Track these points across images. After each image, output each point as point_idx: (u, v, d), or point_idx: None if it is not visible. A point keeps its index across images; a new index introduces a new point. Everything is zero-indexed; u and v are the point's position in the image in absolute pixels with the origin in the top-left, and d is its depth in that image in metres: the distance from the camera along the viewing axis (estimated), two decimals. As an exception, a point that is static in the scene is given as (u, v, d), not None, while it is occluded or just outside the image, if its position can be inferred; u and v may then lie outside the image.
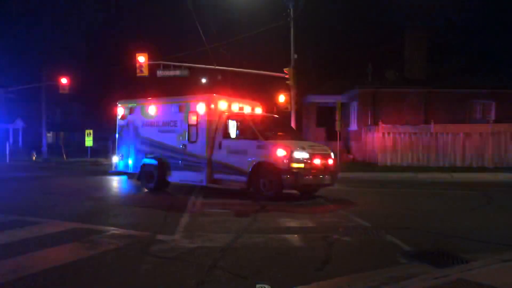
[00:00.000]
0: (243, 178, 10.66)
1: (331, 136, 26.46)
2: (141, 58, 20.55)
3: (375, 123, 23.74)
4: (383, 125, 22.14)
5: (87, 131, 27.69)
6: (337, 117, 21.01)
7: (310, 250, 5.83)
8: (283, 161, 10.10)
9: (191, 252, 5.51)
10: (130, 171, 13.43)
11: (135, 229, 6.84)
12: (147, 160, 12.56)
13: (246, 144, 10.80)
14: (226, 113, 11.61)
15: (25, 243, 5.94)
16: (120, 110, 13.73)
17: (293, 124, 20.33)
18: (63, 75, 27.01)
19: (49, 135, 41.43)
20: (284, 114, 22.14)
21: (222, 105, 11.86)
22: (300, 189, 11.07)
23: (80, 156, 30.27)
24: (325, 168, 10.61)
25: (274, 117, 13.05)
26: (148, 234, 6.51)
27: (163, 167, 12.20)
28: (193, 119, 11.65)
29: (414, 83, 26.22)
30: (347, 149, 27.97)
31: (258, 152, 10.52)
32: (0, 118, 40.97)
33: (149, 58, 20.90)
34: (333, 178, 10.99)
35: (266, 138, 10.67)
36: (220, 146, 11.22)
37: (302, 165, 10.09)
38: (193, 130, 11.63)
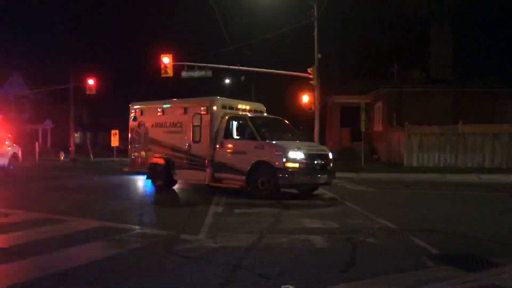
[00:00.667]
0: (241, 177, 11.00)
1: (355, 136, 26.19)
2: (166, 59, 20.75)
3: (401, 123, 23.37)
4: (409, 125, 21.76)
5: (113, 131, 28.20)
6: (362, 117, 20.77)
7: (334, 251, 5.76)
8: (278, 160, 10.41)
9: (215, 252, 5.53)
10: (141, 170, 13.88)
11: (159, 228, 6.92)
12: (155, 160, 13.04)
13: (245, 144, 11.22)
14: (228, 115, 11.97)
15: (53, 241, 6.07)
16: (132, 112, 14.24)
17: (316, 125, 20.22)
18: (90, 76, 27.56)
19: (77, 135, 42.33)
20: (308, 114, 22.06)
21: (224, 106, 12.26)
22: (296, 188, 11.40)
23: (106, 155, 30.83)
24: (321, 168, 10.96)
25: (276, 118, 13.37)
26: (172, 233, 6.56)
27: (170, 166, 12.64)
28: (196, 120, 12.13)
29: (441, 83, 25.70)
30: (372, 149, 27.62)
31: (256, 152, 10.86)
32: (30, 119, 42.19)
33: (174, 59, 21.10)
34: (330, 177, 11.31)
35: (264, 139, 11.00)
36: (221, 146, 11.61)
37: (297, 165, 10.38)
38: (197, 130, 12.11)
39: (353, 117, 26.78)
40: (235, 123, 11.71)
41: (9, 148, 18.15)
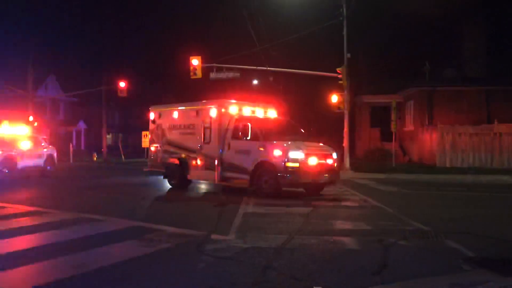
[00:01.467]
0: (246, 177, 11.45)
1: (386, 136, 25.73)
2: (195, 61, 20.97)
3: (433, 123, 22.85)
4: (441, 125, 21.25)
5: (143, 133, 28.69)
6: (393, 117, 20.43)
7: (365, 253, 5.69)
8: (279, 160, 10.80)
9: (245, 252, 5.55)
10: (159, 169, 14.43)
11: (189, 228, 7.00)
12: (171, 160, 13.74)
13: (249, 145, 11.63)
14: (235, 117, 12.42)
15: (87, 240, 6.25)
16: (152, 115, 15.01)
17: (346, 125, 20.01)
18: (121, 79, 28.17)
19: (109, 136, 43.34)
20: (337, 115, 21.84)
21: (233, 109, 12.71)
22: (297, 187, 11.67)
23: (137, 156, 31.45)
24: (323, 168, 11.18)
25: (283, 120, 13.95)
26: (203, 233, 6.63)
27: (183, 166, 13.30)
28: (207, 122, 12.74)
29: (474, 81, 24.95)
30: (402, 150, 27.11)
31: (259, 152, 11.30)
32: (64, 121, 43.48)
33: (202, 61, 21.30)
34: (333, 177, 11.60)
35: (267, 139, 11.38)
36: (229, 147, 12.11)
37: (297, 164, 10.66)
38: (207, 132, 12.70)
39: (383, 117, 26.35)
40: (241, 125, 12.07)
41: (45, 150, 18.76)
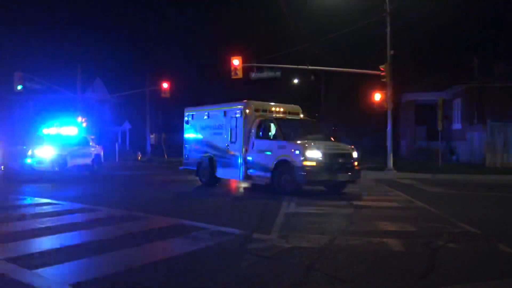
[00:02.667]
0: (268, 175, 11.90)
1: (432, 135, 24.94)
2: (236, 61, 21.10)
3: (482, 121, 21.90)
4: (492, 123, 20.33)
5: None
6: (439, 115, 19.75)
7: (412, 256, 5.52)
8: (297, 159, 11.18)
9: (288, 252, 5.53)
10: (192, 168, 15.12)
11: (232, 227, 7.03)
12: (202, 159, 14.45)
13: (270, 144, 12.15)
14: (259, 117, 12.95)
15: (132, 237, 6.40)
16: (186, 116, 15.89)
17: (389, 123, 19.53)
18: (164, 80, 28.79)
19: (152, 136, 44.42)
20: (380, 113, 21.36)
21: (258, 109, 13.29)
22: (315, 185, 12.04)
23: (180, 155, 31.99)
24: (342, 167, 11.51)
25: (306, 120, 14.48)
26: (245, 232, 6.66)
27: (213, 164, 13.96)
28: (233, 122, 13.32)
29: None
30: (449, 149, 26.16)
31: (280, 151, 11.74)
32: (110, 121, 44.99)
33: (243, 61, 21.40)
34: (353, 176, 11.87)
35: (286, 139, 11.79)
36: (252, 146, 12.65)
37: (314, 163, 11.04)
38: (234, 132, 13.27)
39: (428, 115, 25.55)
40: (264, 125, 12.58)
41: (92, 149, 19.49)
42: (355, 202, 10.17)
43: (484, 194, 12.55)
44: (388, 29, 19.19)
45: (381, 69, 19.05)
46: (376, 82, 20.43)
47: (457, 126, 26.20)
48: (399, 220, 7.99)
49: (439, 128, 20.01)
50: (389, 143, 19.43)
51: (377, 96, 20.20)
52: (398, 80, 22.53)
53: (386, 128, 19.67)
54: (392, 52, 19.09)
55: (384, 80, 19.01)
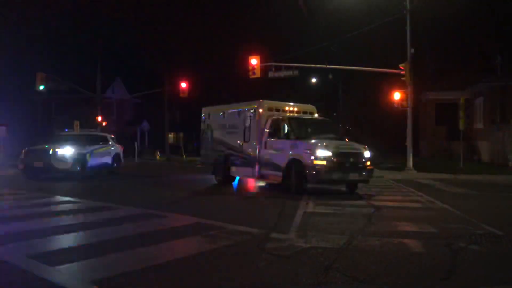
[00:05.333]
0: (280, 173, 11.90)
1: (453, 135, 24.50)
2: (254, 61, 21.11)
3: (506, 120, 21.41)
4: (515, 122, 19.86)
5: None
6: (461, 114, 19.41)
7: (432, 257, 5.42)
8: (307, 158, 11.12)
9: (306, 252, 5.49)
10: (209, 166, 15.39)
11: (250, 226, 7.02)
12: (217, 157, 14.67)
13: (282, 143, 12.13)
14: (271, 116, 12.94)
15: (151, 235, 6.44)
16: (203, 115, 16.23)
17: (409, 123, 19.27)
18: (183, 80, 28.98)
19: (171, 135, 44.79)
20: (399, 112, 21.09)
21: (271, 109, 13.33)
22: (325, 184, 12.04)
23: (198, 155, 32.14)
24: (353, 166, 11.29)
25: (319, 119, 14.18)
26: (263, 231, 6.64)
27: (228, 163, 14.15)
28: (247, 121, 13.48)
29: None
30: (471, 149, 25.65)
31: (291, 150, 11.72)
32: (129, 120, 45.54)
33: (261, 60, 21.39)
34: (365, 175, 11.62)
35: (298, 138, 11.78)
36: (265, 145, 12.72)
37: (324, 162, 10.93)
38: (247, 131, 13.42)
39: (449, 115, 25.17)
40: (276, 124, 12.58)
41: (112, 148, 19.72)
42: (374, 202, 10.06)
43: (507, 195, 12.27)
44: (408, 27, 18.93)
45: (401, 67, 18.81)
46: (395, 81, 20.21)
47: (479, 125, 25.68)
48: (419, 220, 7.86)
49: (461, 127, 19.65)
50: (409, 142, 19.18)
51: (397, 95, 19.97)
52: (418, 79, 22.21)
53: (406, 127, 19.42)
54: (412, 50, 18.83)
55: (404, 78, 18.77)
